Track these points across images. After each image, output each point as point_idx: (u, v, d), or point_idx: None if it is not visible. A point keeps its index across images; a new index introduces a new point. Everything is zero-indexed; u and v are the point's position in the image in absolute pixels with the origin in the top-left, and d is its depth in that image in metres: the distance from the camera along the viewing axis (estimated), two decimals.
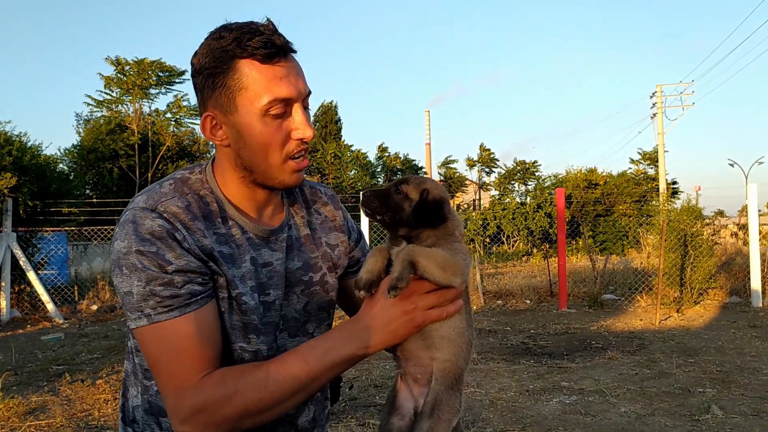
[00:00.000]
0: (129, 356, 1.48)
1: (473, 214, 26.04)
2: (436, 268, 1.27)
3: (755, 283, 10.88)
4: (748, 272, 11.17)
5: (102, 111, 28.31)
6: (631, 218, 17.35)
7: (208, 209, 1.36)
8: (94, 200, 23.05)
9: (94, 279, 14.13)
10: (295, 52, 1.32)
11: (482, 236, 22.59)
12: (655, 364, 7.54)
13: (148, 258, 1.25)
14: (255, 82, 1.27)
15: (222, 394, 1.24)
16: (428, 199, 1.37)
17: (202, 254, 1.30)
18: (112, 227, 16.46)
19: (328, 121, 41.91)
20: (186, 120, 29.68)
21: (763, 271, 11.10)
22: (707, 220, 12.06)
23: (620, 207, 24.11)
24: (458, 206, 34.96)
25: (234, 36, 1.27)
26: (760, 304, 10.78)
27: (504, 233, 24.33)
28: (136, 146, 26.40)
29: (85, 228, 15.80)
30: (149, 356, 1.30)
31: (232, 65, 1.28)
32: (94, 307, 12.63)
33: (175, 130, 29.24)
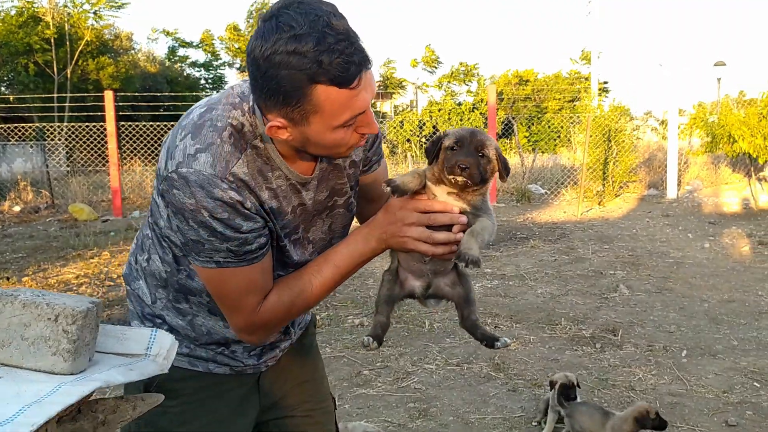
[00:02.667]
0: (149, 225, 1.55)
1: (410, 114, 25.97)
2: (480, 243, 1.40)
3: (671, 176, 11.46)
4: (667, 166, 11.73)
5: (12, 1, 26.22)
6: (563, 117, 17.72)
7: (262, 163, 1.38)
8: (10, 98, 21.76)
9: (15, 180, 13.60)
10: (371, 64, 1.28)
11: (418, 137, 22.70)
12: (573, 251, 7.98)
13: (221, 223, 1.31)
14: (332, 106, 1.26)
15: (282, 310, 1.46)
16: (503, 158, 1.46)
17: (262, 210, 1.39)
18: (30, 125, 15.68)
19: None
20: (106, 13, 27.88)
21: (679, 164, 11.68)
22: (632, 118, 12.45)
23: (552, 104, 24.55)
24: (395, 107, 34.76)
25: (312, 56, 1.19)
26: (675, 196, 11.41)
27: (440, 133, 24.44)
28: (52, 40, 24.73)
29: (1, 126, 15.00)
30: (214, 291, 1.43)
31: (309, 91, 1.23)
32: (17, 209, 12.23)
33: (95, 23, 27.47)
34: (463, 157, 1.38)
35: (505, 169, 1.46)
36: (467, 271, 1.53)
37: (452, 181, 1.39)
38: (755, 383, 4.19)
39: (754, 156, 9.02)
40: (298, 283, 1.47)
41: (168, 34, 34.96)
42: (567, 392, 3.44)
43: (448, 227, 1.41)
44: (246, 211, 1.34)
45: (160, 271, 1.51)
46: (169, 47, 35.21)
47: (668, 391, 4.08)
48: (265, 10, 1.26)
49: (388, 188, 1.43)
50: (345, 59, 1.20)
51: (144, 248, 1.56)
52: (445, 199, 1.43)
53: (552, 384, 3.53)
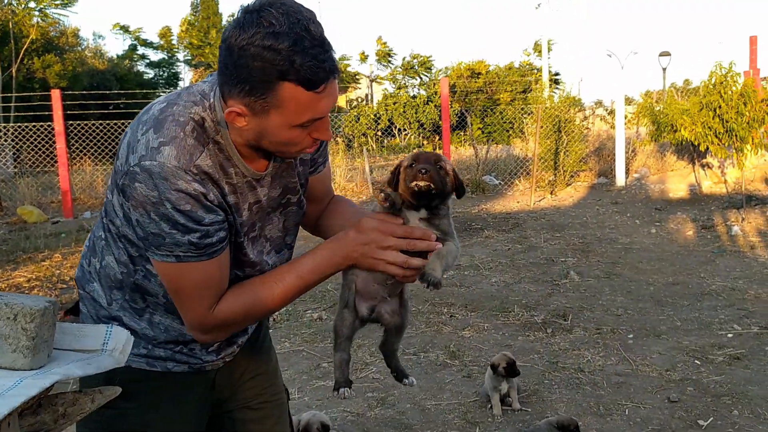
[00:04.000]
0: (103, 226, 1.55)
1: (366, 108, 25.99)
2: (444, 266, 1.48)
3: (619, 164, 11.81)
4: (615, 155, 12.07)
5: None
6: (516, 108, 18.04)
7: (223, 158, 1.42)
8: None
9: None
10: (339, 74, 1.34)
11: (374, 130, 22.76)
12: (526, 240, 8.19)
13: (183, 215, 1.33)
14: (295, 105, 1.31)
15: (240, 312, 1.48)
16: (459, 176, 1.55)
17: (224, 203, 1.43)
18: None
19: (210, 13, 39.88)
20: (51, 11, 27.11)
21: (627, 153, 12.03)
22: (582, 108, 12.75)
23: (504, 96, 24.92)
24: (350, 101, 34.71)
25: (286, 55, 1.24)
26: (623, 184, 11.75)
27: (395, 126, 24.58)
28: None
29: None
30: (171, 286, 1.44)
31: (276, 86, 1.28)
32: None
33: (40, 21, 26.69)
34: (422, 165, 1.45)
35: (460, 186, 1.54)
36: (407, 303, 1.65)
37: (416, 188, 1.44)
38: (696, 361, 4.41)
39: (696, 143, 9.38)
40: (259, 289, 1.50)
41: (126, 31, 34.23)
42: (513, 369, 3.62)
43: (422, 253, 1.46)
44: (209, 203, 1.37)
45: (116, 272, 1.53)
46: (129, 46, 34.49)
47: (615, 372, 4.26)
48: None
49: (382, 195, 1.49)
50: (316, 64, 1.26)
51: (97, 250, 1.57)
52: (416, 224, 1.49)
53: (493, 366, 3.68)
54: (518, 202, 11.05)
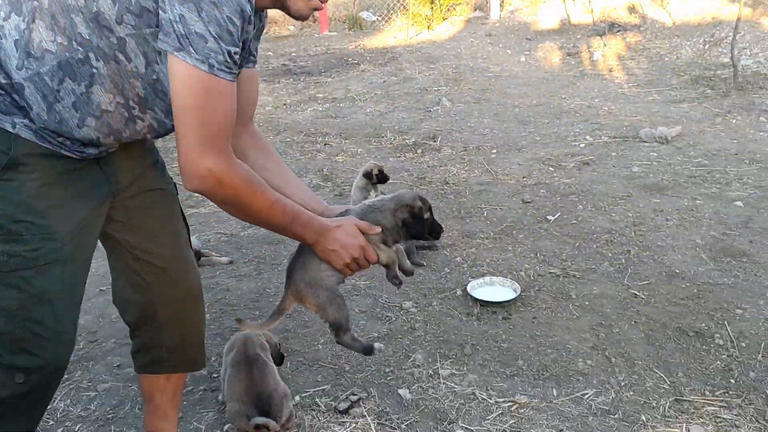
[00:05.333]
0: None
1: None
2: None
3: None
4: None
5: None
6: None
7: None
8: None
9: None
10: None
11: None
12: (401, 72, 8.19)
13: (234, 27, 1.37)
14: None
15: (242, 188, 1.50)
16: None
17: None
18: None
19: None
20: None
21: None
22: None
23: None
24: None
25: None
26: (498, 17, 11.80)
27: None
28: None
29: None
30: (189, 100, 1.39)
31: None
32: None
33: None
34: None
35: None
36: None
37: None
38: (550, 168, 4.76)
39: None
40: (266, 192, 1.57)
41: None
42: (383, 175, 3.77)
43: None
44: (246, 26, 1.43)
45: (49, 41, 1.41)
46: None
47: (477, 182, 4.54)
48: None
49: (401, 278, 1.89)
50: None
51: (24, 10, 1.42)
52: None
53: (367, 173, 3.79)
54: (395, 37, 10.89)
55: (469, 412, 2.31)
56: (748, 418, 2.25)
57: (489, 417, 2.28)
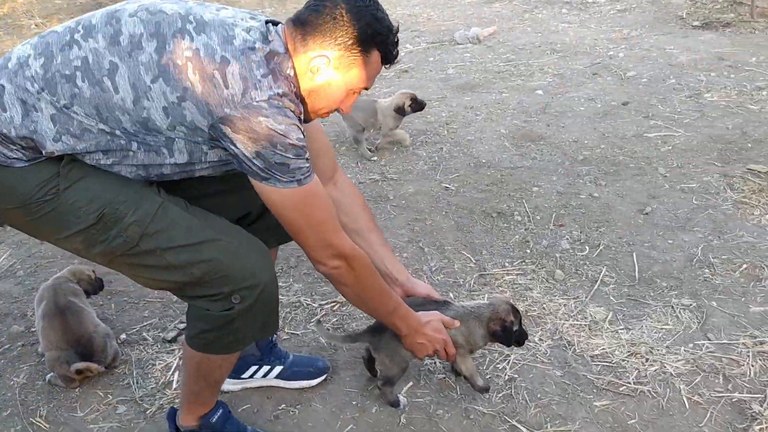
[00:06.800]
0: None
1: None
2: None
3: None
4: None
5: None
6: None
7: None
8: None
9: None
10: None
11: None
12: None
13: (302, 142, 1.44)
14: (369, 70, 1.55)
15: (364, 270, 1.66)
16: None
17: None
18: None
19: None
20: None
21: None
22: None
23: None
24: None
25: (386, 27, 1.52)
26: None
27: None
28: None
29: None
30: (297, 215, 1.52)
31: (371, 48, 1.52)
32: None
33: None
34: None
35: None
36: None
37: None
38: None
39: None
40: (382, 283, 1.74)
41: None
42: (419, 104, 3.59)
43: None
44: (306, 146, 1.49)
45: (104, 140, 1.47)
46: None
47: None
48: None
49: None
50: (396, 50, 1.58)
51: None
52: None
53: (399, 109, 3.58)
54: None
55: (294, 318, 2.44)
56: (540, 280, 2.55)
57: (313, 320, 2.42)
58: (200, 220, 1.58)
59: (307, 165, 1.47)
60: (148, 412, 2.03)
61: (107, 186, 1.50)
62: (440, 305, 1.96)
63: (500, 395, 2.01)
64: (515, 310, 1.94)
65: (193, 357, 1.68)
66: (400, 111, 3.55)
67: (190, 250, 1.53)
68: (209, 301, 1.57)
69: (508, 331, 1.91)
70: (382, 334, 1.93)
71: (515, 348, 2.09)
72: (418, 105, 3.55)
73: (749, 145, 3.44)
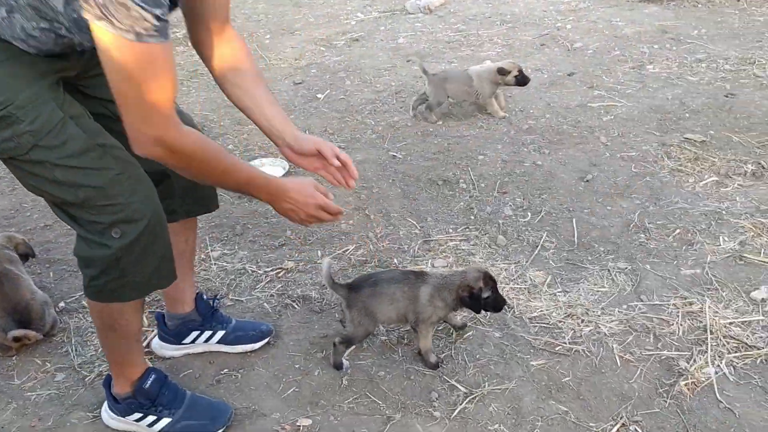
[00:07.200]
0: None
1: None
2: None
3: None
4: None
5: None
6: None
7: None
8: None
9: None
10: None
11: None
12: None
13: None
14: None
15: (192, 156, 1.43)
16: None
17: None
18: None
19: None
20: None
21: None
22: None
23: None
24: None
25: None
26: None
27: None
28: None
29: None
30: (125, 72, 1.26)
31: None
32: None
33: None
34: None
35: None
36: None
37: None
38: (322, 48, 4.82)
39: None
40: (219, 150, 1.51)
41: None
42: (524, 77, 3.74)
43: None
44: None
45: None
46: None
47: None
48: None
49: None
50: None
51: None
52: None
53: (502, 70, 3.58)
54: None
55: (239, 285, 2.43)
56: (482, 246, 2.60)
57: (258, 286, 2.42)
58: (98, 145, 1.52)
59: (157, 23, 1.21)
60: (87, 379, 2.00)
61: (11, 82, 1.43)
62: (417, 275, 2.00)
63: (441, 356, 2.05)
64: (488, 278, 1.97)
65: (94, 308, 1.67)
66: (503, 72, 3.49)
67: (80, 173, 1.49)
68: (88, 230, 1.54)
69: (475, 298, 1.94)
70: (359, 292, 1.96)
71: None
72: (522, 77, 3.52)
73: (687, 115, 3.55)
